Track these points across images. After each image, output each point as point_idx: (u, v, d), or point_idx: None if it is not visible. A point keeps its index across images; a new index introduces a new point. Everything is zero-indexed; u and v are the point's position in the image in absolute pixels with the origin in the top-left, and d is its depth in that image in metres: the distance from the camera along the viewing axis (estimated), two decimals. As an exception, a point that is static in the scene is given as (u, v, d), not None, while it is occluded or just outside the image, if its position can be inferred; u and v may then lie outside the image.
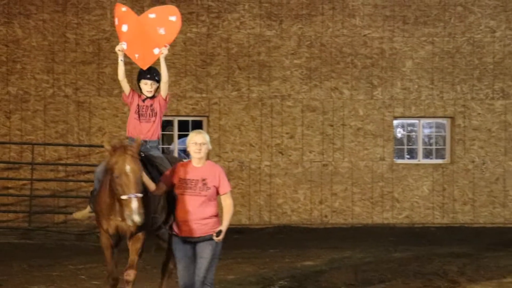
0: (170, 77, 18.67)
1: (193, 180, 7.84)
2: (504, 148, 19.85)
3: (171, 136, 19.65)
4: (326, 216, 19.31)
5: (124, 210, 7.62)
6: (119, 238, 8.44)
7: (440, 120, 20.09)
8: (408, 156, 20.22)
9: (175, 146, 19.40)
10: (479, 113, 19.83)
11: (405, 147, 20.32)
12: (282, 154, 19.28)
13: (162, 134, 19.47)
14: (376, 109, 19.66)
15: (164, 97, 9.05)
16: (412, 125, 20.29)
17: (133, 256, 8.32)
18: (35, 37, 18.69)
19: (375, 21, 19.79)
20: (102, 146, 18.46)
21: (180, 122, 19.40)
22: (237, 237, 16.81)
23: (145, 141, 8.80)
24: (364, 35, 19.76)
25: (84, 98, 18.70)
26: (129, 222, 7.65)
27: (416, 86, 19.86)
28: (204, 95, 19.19)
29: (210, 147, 8.10)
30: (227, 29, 19.32)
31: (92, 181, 17.63)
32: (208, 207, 7.90)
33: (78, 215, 9.35)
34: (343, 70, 19.66)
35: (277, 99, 19.38)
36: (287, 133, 19.34)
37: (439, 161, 19.97)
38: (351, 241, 16.64)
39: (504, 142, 19.85)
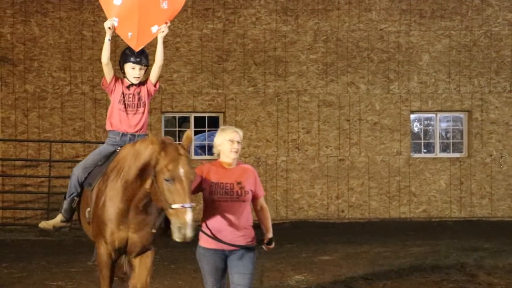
0: (186, 74, 19.04)
1: (228, 183, 6.89)
2: (522, 141, 19.86)
3: (188, 133, 19.71)
4: (343, 211, 19.35)
5: (172, 222, 6.40)
6: (119, 254, 7.34)
7: (457, 114, 20.09)
8: (425, 150, 20.24)
9: (192, 143, 19.46)
10: (497, 107, 19.81)
11: (422, 141, 20.34)
12: (299, 149, 19.33)
13: (178, 131, 19.58)
14: (393, 104, 19.68)
15: (154, 83, 7.82)
16: (429, 119, 20.29)
17: (144, 276, 7.26)
18: (52, 35, 18.83)
19: (391, 15, 19.79)
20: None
21: (196, 118, 19.49)
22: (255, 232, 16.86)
23: (133, 135, 7.61)
24: (381, 29, 19.77)
25: (101, 95, 18.79)
26: (177, 237, 6.36)
27: (433, 80, 19.86)
28: (220, 91, 19.26)
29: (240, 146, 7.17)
30: (243, 25, 19.38)
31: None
32: (246, 214, 7.02)
33: (45, 224, 7.89)
34: (360, 64, 19.68)
35: (293, 94, 19.43)
36: (303, 128, 19.39)
37: (456, 155, 19.96)
38: (368, 236, 16.66)
39: (521, 135, 19.86)
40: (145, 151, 6.70)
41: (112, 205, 7.00)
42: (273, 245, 7.06)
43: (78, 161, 18.32)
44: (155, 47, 7.86)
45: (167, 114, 19.38)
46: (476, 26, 19.96)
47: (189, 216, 6.30)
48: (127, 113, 7.62)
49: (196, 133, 19.56)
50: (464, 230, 17.84)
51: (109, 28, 7.63)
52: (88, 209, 7.33)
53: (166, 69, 18.88)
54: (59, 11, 18.87)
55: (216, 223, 6.87)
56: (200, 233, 6.96)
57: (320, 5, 19.48)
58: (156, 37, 7.82)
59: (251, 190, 6.98)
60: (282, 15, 19.45)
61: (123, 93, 7.65)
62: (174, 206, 6.37)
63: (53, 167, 18.37)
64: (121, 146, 7.48)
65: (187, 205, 6.34)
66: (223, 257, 6.94)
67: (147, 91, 7.73)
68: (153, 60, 7.75)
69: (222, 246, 6.87)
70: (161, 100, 19.01)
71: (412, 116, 20.01)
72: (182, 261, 12.57)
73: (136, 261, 7.28)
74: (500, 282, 11.27)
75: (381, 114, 19.66)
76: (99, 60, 18.75)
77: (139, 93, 7.67)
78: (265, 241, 7.05)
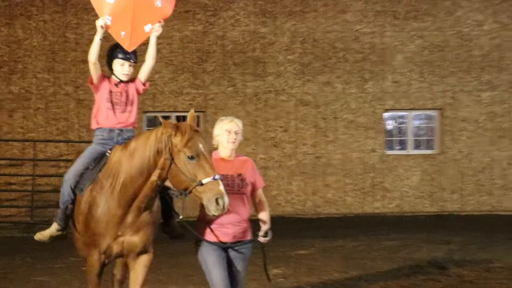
0: (167, 74, 19.06)
1: (229, 175, 6.64)
2: (490, 138, 19.94)
3: (169, 131, 19.70)
4: (319, 207, 19.43)
5: (207, 197, 6.12)
6: (114, 259, 7.02)
7: (429, 112, 20.19)
8: (398, 147, 20.32)
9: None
10: (467, 105, 19.93)
11: (396, 138, 20.41)
12: (277, 147, 19.39)
13: (160, 130, 19.55)
14: (368, 102, 19.77)
15: (143, 81, 7.32)
16: (402, 117, 20.36)
17: (141, 278, 6.85)
18: (36, 37, 18.80)
19: (366, 17, 19.87)
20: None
21: (177, 117, 19.46)
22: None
23: (121, 130, 7.11)
24: (356, 30, 19.84)
25: (84, 96, 18.78)
26: (215, 210, 6.12)
27: (406, 79, 19.94)
28: (200, 91, 19.30)
29: (242, 138, 6.88)
30: (222, 27, 19.42)
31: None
32: (246, 206, 6.82)
33: (40, 236, 7.30)
34: (335, 64, 19.74)
35: (271, 94, 19.49)
36: (281, 127, 19.45)
37: (429, 151, 20.08)
38: (343, 230, 16.66)
39: (490, 132, 19.95)
40: (157, 138, 6.38)
41: (108, 214, 6.57)
42: (269, 237, 6.85)
43: (62, 160, 18.52)
44: (146, 45, 7.44)
45: (149, 114, 19.38)
46: (448, 27, 20.07)
47: (222, 186, 6.13)
48: (114, 111, 7.13)
49: (177, 132, 19.55)
50: (435, 224, 17.93)
51: (101, 27, 7.08)
52: None
53: (148, 70, 18.86)
54: (43, 14, 18.83)
55: (218, 216, 6.52)
56: (199, 227, 6.76)
57: (297, 7, 19.55)
58: (149, 37, 7.37)
59: (251, 182, 6.81)
60: (261, 17, 19.50)
61: (110, 91, 7.15)
62: (204, 181, 6.14)
63: (37, 166, 18.34)
64: (110, 145, 7.02)
65: (217, 176, 6.16)
66: (224, 250, 6.72)
67: (136, 89, 7.27)
68: (143, 58, 7.38)
69: (226, 239, 6.67)
70: (143, 100, 18.99)
71: (386, 114, 20.09)
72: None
73: (133, 263, 6.86)
74: (469, 274, 11.33)
75: (356, 112, 19.75)
76: (83, 61, 18.96)
77: (127, 91, 7.19)
78: (261, 233, 6.85)
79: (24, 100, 18.74)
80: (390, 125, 20.54)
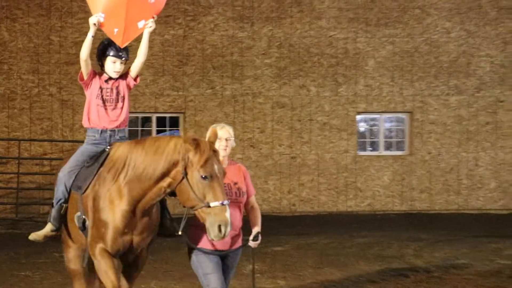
0: (149, 77, 18.99)
1: (225, 184, 6.24)
2: (458, 140, 20.04)
3: (150, 132, 19.67)
4: (294, 205, 19.45)
5: (210, 221, 5.81)
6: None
7: (400, 115, 20.25)
8: (370, 149, 20.36)
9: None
10: (436, 108, 20.02)
11: (368, 140, 20.45)
12: (254, 148, 19.39)
13: (141, 130, 19.53)
14: (341, 105, 19.80)
15: (134, 77, 7.07)
16: (374, 119, 20.40)
17: (135, 275, 6.75)
18: (21, 39, 18.64)
19: (340, 23, 19.89)
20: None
21: (158, 118, 19.45)
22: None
23: (113, 131, 6.91)
24: (330, 36, 19.86)
25: (68, 97, 18.69)
26: (215, 236, 5.82)
27: (378, 84, 19.99)
28: (180, 93, 19.25)
29: (234, 143, 6.66)
30: (202, 31, 19.37)
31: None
32: (241, 215, 6.61)
33: (35, 236, 6.94)
34: (310, 68, 19.76)
35: (249, 96, 19.47)
36: (258, 128, 19.45)
37: (399, 152, 20.14)
38: (317, 228, 16.73)
39: (458, 134, 20.05)
40: (176, 148, 6.05)
41: (115, 208, 6.25)
42: (259, 240, 6.54)
43: (46, 159, 18.39)
44: (136, 42, 7.21)
45: (130, 115, 19.21)
46: (417, 34, 20.15)
47: (228, 214, 5.81)
48: (105, 108, 6.87)
49: (157, 132, 19.49)
50: (405, 222, 18.02)
51: (94, 24, 6.80)
52: (78, 213, 6.54)
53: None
54: (27, 17, 18.68)
55: None
56: (194, 233, 6.48)
57: (274, 13, 19.54)
58: (141, 33, 7.08)
59: (245, 190, 6.58)
60: (239, 22, 19.48)
61: (100, 87, 6.89)
62: (212, 204, 5.82)
63: (21, 164, 18.19)
64: (103, 145, 6.83)
65: (226, 202, 5.85)
66: (219, 257, 6.48)
67: (127, 85, 7.01)
68: (134, 54, 7.14)
69: (222, 247, 6.43)
70: (125, 101, 18.93)
71: (358, 117, 20.13)
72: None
73: (128, 265, 6.68)
74: (437, 270, 11.45)
75: (330, 115, 19.78)
76: (66, 63, 18.86)
77: (117, 87, 6.93)
78: (252, 237, 6.53)
79: (9, 100, 18.59)
80: (362, 127, 20.59)
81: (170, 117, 19.49)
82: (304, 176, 19.49)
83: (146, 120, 19.62)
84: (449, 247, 13.84)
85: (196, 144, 5.93)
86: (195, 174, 5.90)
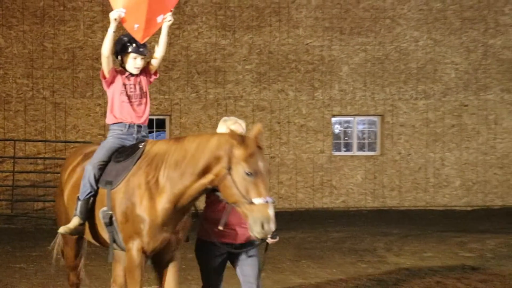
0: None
1: None
2: (426, 142, 20.14)
3: (138, 133, 19.55)
4: (273, 202, 19.39)
5: (253, 218, 5.29)
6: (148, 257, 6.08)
7: (372, 118, 20.30)
8: (344, 149, 20.37)
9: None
10: (405, 112, 20.11)
11: (342, 141, 20.46)
12: (235, 148, 19.33)
13: (130, 131, 19.44)
14: (317, 108, 19.84)
15: (153, 72, 6.66)
16: (348, 122, 20.43)
17: (176, 279, 6.06)
18: (16, 46, 18.52)
19: (316, 32, 19.93)
20: (77, 142, 18.36)
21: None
22: (195, 220, 16.86)
23: (140, 127, 6.46)
24: (307, 44, 19.89)
25: (60, 100, 18.60)
26: (259, 233, 5.28)
27: (351, 88, 20.04)
28: (166, 96, 19.20)
29: None
30: (187, 39, 19.34)
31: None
32: None
33: (65, 229, 6.25)
34: (288, 74, 19.78)
35: (231, 100, 19.46)
36: (239, 130, 19.41)
37: (371, 153, 20.21)
38: (295, 223, 16.71)
39: (425, 136, 20.14)
40: (219, 144, 5.56)
41: (156, 204, 5.74)
42: (277, 238, 6.02)
43: (39, 158, 18.27)
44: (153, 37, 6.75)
45: (119, 117, 19.22)
46: (388, 42, 20.22)
47: (272, 211, 5.32)
48: (131, 104, 6.39)
49: (145, 133, 19.43)
50: (376, 218, 18.08)
51: (115, 19, 6.26)
52: (104, 208, 6.00)
53: (119, 77, 18.78)
54: (22, 24, 18.56)
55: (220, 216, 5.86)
56: (205, 227, 6.04)
57: (254, 22, 19.54)
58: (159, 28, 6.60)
59: None
60: (221, 31, 19.46)
61: (124, 84, 6.40)
62: (256, 200, 5.30)
63: (16, 163, 18.06)
64: (129, 140, 6.35)
65: (270, 199, 5.35)
66: (226, 252, 6.05)
67: (148, 81, 6.57)
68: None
69: (232, 240, 6.02)
70: (114, 104, 18.89)
71: (333, 119, 20.17)
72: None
73: (164, 266, 6.04)
74: (406, 262, 11.51)
75: (307, 117, 19.81)
76: (59, 68, 18.74)
77: (139, 83, 6.47)
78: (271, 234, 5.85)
79: (5, 103, 18.47)
80: (337, 129, 20.61)
81: (157, 119, 19.43)
82: (282, 174, 19.50)
83: (134, 122, 19.52)
84: (417, 241, 13.92)
85: (242, 139, 5.45)
86: (239, 170, 5.40)
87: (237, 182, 5.38)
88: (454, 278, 10.11)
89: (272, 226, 5.28)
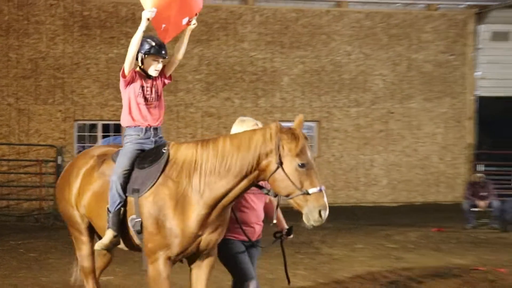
0: (95, 89, 18.72)
1: None
2: (357, 145, 20.35)
3: (96, 137, 19.37)
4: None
5: (309, 207, 4.95)
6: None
7: (309, 123, 20.36)
8: (284, 151, 20.46)
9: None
10: (339, 118, 20.30)
11: (282, 144, 20.55)
12: (186, 151, 19.27)
13: (89, 135, 19.23)
14: (260, 115, 19.87)
15: (168, 76, 6.02)
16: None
17: (206, 278, 5.54)
18: (-18, 56, 18.18)
19: (259, 45, 20.01)
20: (39, 145, 18.07)
21: (103, 125, 19.17)
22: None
23: (156, 129, 5.87)
24: (251, 56, 19.96)
25: (24, 106, 18.28)
26: (316, 221, 5.00)
27: (291, 97, 20.16)
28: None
29: None
30: (142, 51, 19.17)
31: (32, 173, 17.38)
32: (262, 205, 5.82)
33: (101, 245, 5.57)
34: (234, 83, 19.82)
35: (182, 107, 19.39)
36: (190, 134, 19.36)
37: (308, 155, 20.33)
38: (240, 218, 16.74)
39: (357, 140, 20.37)
40: (266, 139, 5.08)
41: (191, 212, 5.16)
42: (292, 235, 5.87)
43: (4, 160, 17.90)
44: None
45: (79, 122, 18.97)
46: (324, 56, 20.41)
47: (326, 199, 4.99)
48: (148, 107, 5.78)
49: (103, 137, 19.25)
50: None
51: (148, 19, 5.63)
52: (133, 216, 5.39)
53: (79, 85, 18.56)
54: (-12, 36, 18.23)
55: (246, 216, 5.60)
56: (230, 227, 5.52)
57: (204, 36, 19.50)
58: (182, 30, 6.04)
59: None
60: (173, 43, 19.16)
61: (142, 86, 5.78)
62: (311, 190, 4.94)
63: (-18, 164, 17.72)
64: (148, 144, 5.76)
65: (323, 188, 5.02)
66: (246, 248, 5.70)
67: (163, 84, 5.96)
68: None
69: (252, 237, 5.66)
70: (74, 110, 18.63)
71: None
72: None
73: (198, 262, 5.50)
74: (338, 253, 11.61)
75: (251, 123, 19.82)
76: (23, 77, 18.48)
77: (156, 86, 5.86)
78: (285, 232, 5.93)
79: (-28, 109, 18.11)
80: (278, 133, 20.66)
81: (114, 124, 19.23)
82: (228, 174, 19.46)
83: (93, 127, 19.32)
84: (349, 234, 14.06)
85: (291, 132, 5.04)
86: (292, 163, 4.98)
87: (290, 174, 4.97)
88: (381, 267, 10.26)
89: (327, 213, 5.02)
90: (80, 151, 18.78)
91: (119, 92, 19.29)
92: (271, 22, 20.06)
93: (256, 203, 5.62)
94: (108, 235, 5.48)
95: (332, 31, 20.41)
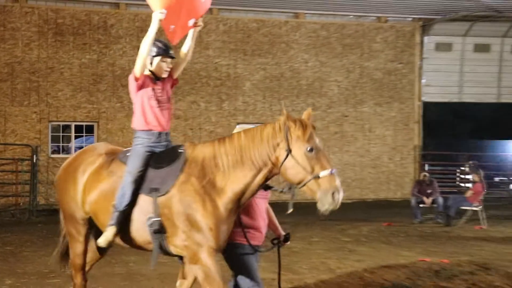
0: (69, 92, 18.55)
1: None
2: (314, 146, 20.56)
3: (69, 137, 19.21)
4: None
5: (322, 191, 4.72)
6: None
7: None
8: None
9: (72, 145, 18.99)
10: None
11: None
12: (154, 151, 19.22)
13: (62, 136, 19.03)
14: (224, 117, 19.96)
15: (174, 78, 5.69)
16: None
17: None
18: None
19: (223, 53, 20.06)
20: (15, 144, 17.85)
21: (76, 126, 19.02)
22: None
23: (167, 134, 5.54)
24: (215, 63, 19.99)
25: (1, 108, 18.03)
26: (330, 205, 4.73)
27: (253, 101, 20.27)
28: (95, 105, 18.89)
29: None
30: (112, 56, 19.09)
31: (8, 171, 17.13)
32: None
33: (105, 240, 5.25)
34: (200, 88, 19.83)
35: (150, 109, 19.30)
36: (158, 135, 19.30)
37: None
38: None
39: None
40: (275, 130, 4.91)
41: (218, 207, 4.94)
42: (289, 241, 5.57)
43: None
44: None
45: (53, 123, 18.77)
46: (283, 63, 20.55)
47: (338, 181, 4.75)
48: (161, 110, 5.43)
49: (76, 137, 19.09)
50: (274, 210, 18.25)
51: (160, 20, 5.27)
52: (151, 215, 5.04)
53: (53, 88, 18.36)
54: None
55: (251, 220, 5.26)
56: (234, 230, 5.12)
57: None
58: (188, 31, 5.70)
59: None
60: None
61: (153, 89, 5.41)
62: (322, 174, 4.70)
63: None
64: (159, 148, 5.43)
65: (334, 170, 4.74)
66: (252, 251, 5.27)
67: (172, 86, 5.62)
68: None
69: (257, 242, 5.26)
70: (49, 111, 18.43)
71: (238, 126, 20.07)
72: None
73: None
74: (296, 246, 11.47)
75: (216, 125, 19.90)
76: (0, 80, 18.02)
77: (166, 88, 5.52)
78: (282, 238, 5.63)
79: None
80: (240, 135, 20.71)
81: (86, 125, 19.08)
82: (194, 173, 19.46)
83: (66, 127, 19.13)
84: (306, 228, 14.05)
85: (299, 121, 4.85)
86: (301, 148, 4.77)
87: (299, 160, 4.76)
88: (336, 259, 10.30)
89: (341, 195, 4.71)
90: (54, 150, 18.69)
91: (91, 95, 19.20)
92: (234, 31, 20.11)
93: (262, 207, 5.34)
94: (111, 231, 5.22)
95: (290, 40, 20.55)
